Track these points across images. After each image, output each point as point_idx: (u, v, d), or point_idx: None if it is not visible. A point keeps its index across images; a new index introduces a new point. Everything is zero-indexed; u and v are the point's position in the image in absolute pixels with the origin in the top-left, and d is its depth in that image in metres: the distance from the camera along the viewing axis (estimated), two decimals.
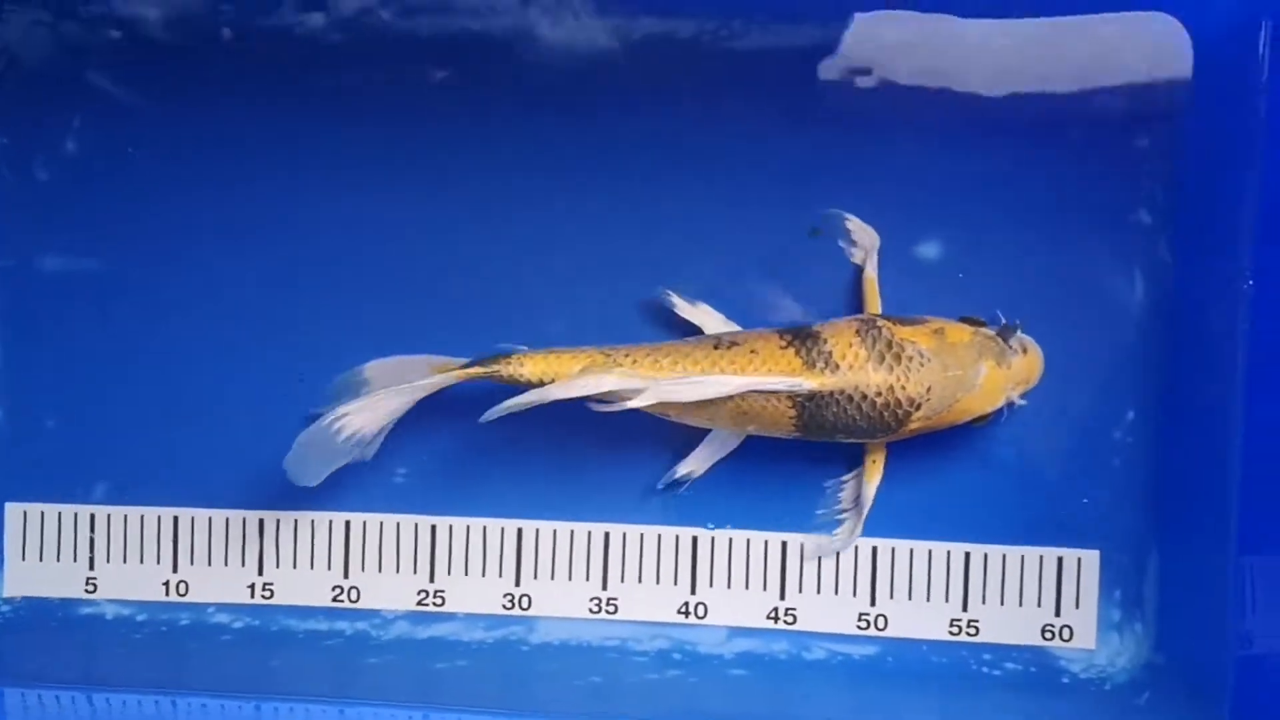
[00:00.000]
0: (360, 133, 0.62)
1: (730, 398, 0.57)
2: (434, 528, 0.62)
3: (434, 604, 0.62)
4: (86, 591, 0.63)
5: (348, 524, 0.62)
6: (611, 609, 0.62)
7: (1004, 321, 0.59)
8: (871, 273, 0.60)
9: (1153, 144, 0.61)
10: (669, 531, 0.62)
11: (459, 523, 0.62)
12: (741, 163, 0.61)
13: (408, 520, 0.62)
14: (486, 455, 0.62)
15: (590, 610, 0.62)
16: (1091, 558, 0.61)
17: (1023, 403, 0.59)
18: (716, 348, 0.58)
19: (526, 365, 0.58)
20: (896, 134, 0.61)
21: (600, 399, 0.58)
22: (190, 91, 0.62)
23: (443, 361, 0.60)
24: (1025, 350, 0.59)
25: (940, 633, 0.61)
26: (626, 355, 0.58)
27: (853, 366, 0.57)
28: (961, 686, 0.61)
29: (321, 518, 0.62)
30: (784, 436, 0.59)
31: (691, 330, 0.61)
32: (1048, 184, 0.61)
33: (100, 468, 0.63)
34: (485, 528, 0.62)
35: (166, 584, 0.63)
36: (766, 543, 0.62)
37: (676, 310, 0.61)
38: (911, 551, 0.61)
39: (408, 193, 0.62)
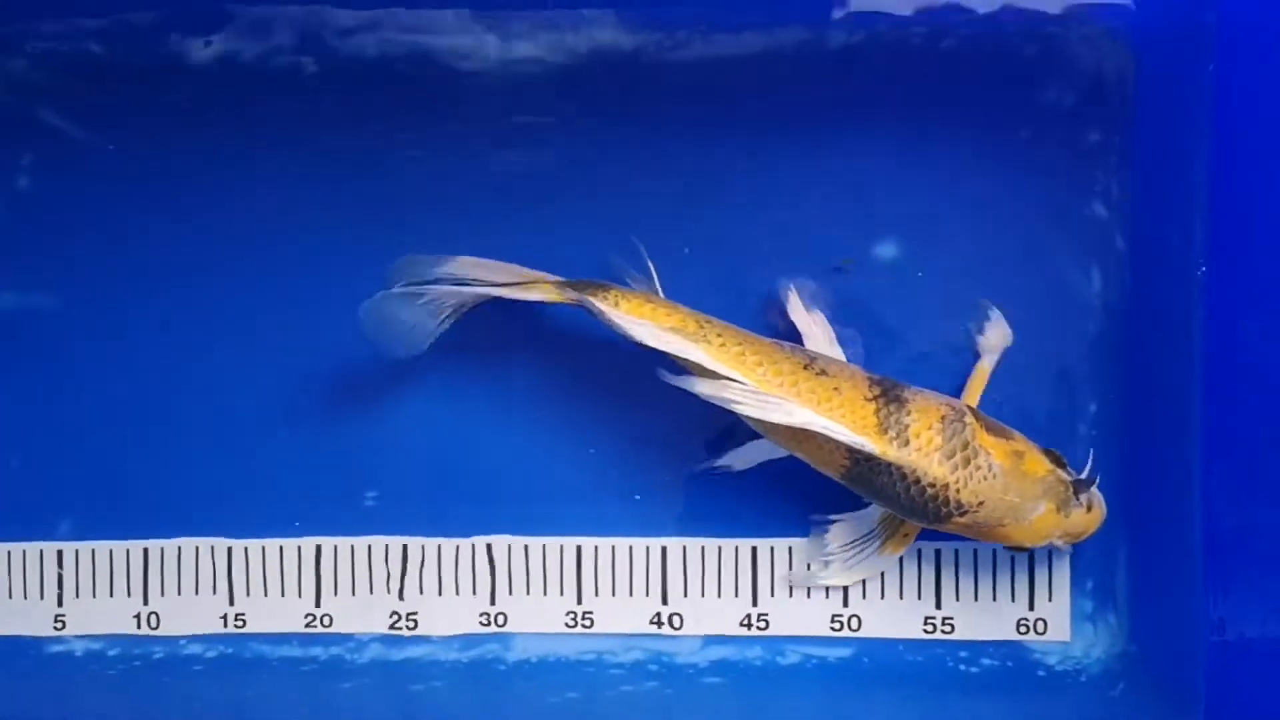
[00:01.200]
0: (314, 160, 0.62)
1: None
2: (405, 549, 0.62)
3: (407, 626, 0.62)
4: (55, 628, 0.62)
5: (318, 549, 0.62)
6: (587, 623, 0.62)
7: (1086, 472, 0.58)
8: (987, 365, 0.60)
9: (1104, 137, 0.61)
10: (640, 542, 0.62)
11: (430, 543, 0.62)
12: (696, 170, 0.61)
13: (379, 542, 0.62)
14: (455, 474, 0.62)
15: (566, 625, 0.62)
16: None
17: (1066, 549, 0.58)
18: (806, 368, 0.56)
19: (621, 304, 0.57)
20: (849, 134, 0.61)
21: (671, 361, 0.56)
22: (141, 125, 0.62)
23: (535, 275, 0.58)
24: (1090, 508, 0.58)
25: (915, 631, 0.61)
26: (719, 335, 0.56)
27: (921, 449, 0.56)
28: (938, 684, 0.61)
29: (291, 544, 0.62)
30: (824, 473, 0.58)
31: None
32: (1002, 180, 0.61)
33: (65, 503, 0.62)
34: (457, 547, 0.62)
35: (137, 617, 0.62)
36: (737, 549, 0.62)
37: (789, 308, 0.59)
38: None
39: (364, 219, 0.62)
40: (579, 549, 0.62)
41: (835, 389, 0.56)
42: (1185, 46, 0.60)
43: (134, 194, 0.62)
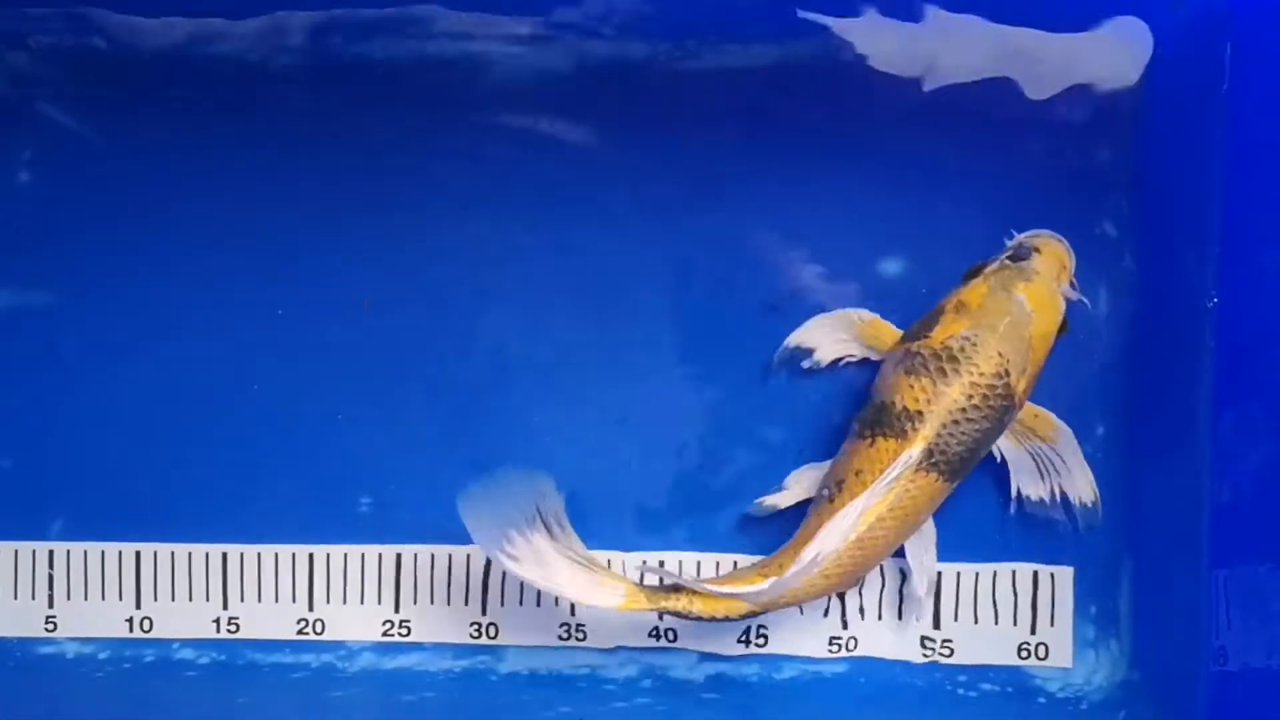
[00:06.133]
0: (316, 159, 0.61)
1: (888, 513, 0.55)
2: (399, 557, 0.61)
3: (400, 634, 0.61)
4: (46, 630, 0.62)
5: (311, 556, 0.61)
6: (581, 635, 0.61)
7: (1007, 244, 0.57)
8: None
9: (1116, 155, 0.61)
10: (635, 556, 0.61)
11: (424, 551, 0.61)
12: (700, 183, 0.61)
13: (372, 550, 0.61)
14: (450, 483, 0.61)
15: (559, 637, 0.61)
16: (1065, 574, 0.61)
17: (1080, 296, 0.57)
18: (831, 501, 0.56)
19: (697, 605, 0.56)
20: (857, 149, 0.61)
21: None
22: (144, 122, 0.61)
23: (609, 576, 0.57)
24: (1039, 249, 0.56)
25: (914, 653, 0.61)
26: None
27: (931, 401, 0.55)
28: (937, 707, 0.60)
29: (285, 550, 0.61)
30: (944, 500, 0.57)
31: None
32: (1011, 197, 0.61)
33: (57, 503, 0.62)
34: (451, 556, 0.61)
35: (130, 620, 0.62)
36: (736, 564, 0.61)
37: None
38: (882, 570, 0.60)
39: (365, 217, 0.61)
40: None
41: (855, 473, 0.56)
42: (1199, 66, 0.59)
43: (134, 191, 0.62)
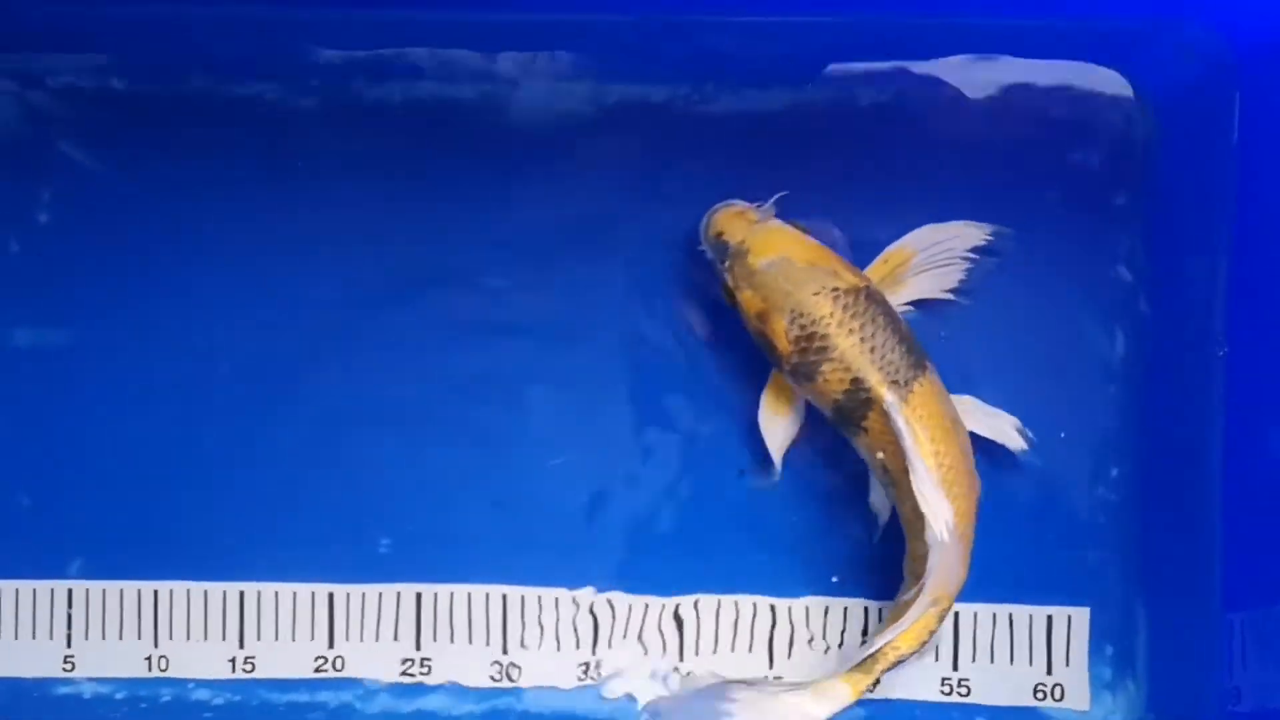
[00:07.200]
0: (334, 200, 0.61)
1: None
2: (419, 596, 0.61)
3: (420, 673, 0.61)
4: (64, 670, 0.61)
5: (330, 595, 0.61)
6: (600, 674, 0.61)
7: (710, 260, 0.59)
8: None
9: (1130, 201, 0.61)
10: (655, 601, 0.61)
11: (444, 590, 0.61)
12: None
13: (390, 589, 0.61)
14: (471, 523, 0.61)
15: (579, 678, 0.61)
16: (1081, 614, 0.61)
17: (769, 210, 0.58)
18: (898, 485, 0.57)
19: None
20: (874, 191, 0.61)
21: None
22: (162, 162, 0.61)
23: None
24: (719, 231, 0.58)
25: (931, 693, 0.61)
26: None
27: (847, 366, 0.56)
28: None
29: (304, 589, 0.61)
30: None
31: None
32: (1027, 241, 0.61)
33: (76, 543, 0.61)
34: (470, 595, 0.61)
35: (147, 660, 0.61)
36: (755, 605, 0.61)
37: None
38: None
39: (386, 257, 0.61)
40: (592, 602, 0.61)
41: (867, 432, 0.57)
42: (1211, 113, 0.60)
43: (153, 231, 0.62)
